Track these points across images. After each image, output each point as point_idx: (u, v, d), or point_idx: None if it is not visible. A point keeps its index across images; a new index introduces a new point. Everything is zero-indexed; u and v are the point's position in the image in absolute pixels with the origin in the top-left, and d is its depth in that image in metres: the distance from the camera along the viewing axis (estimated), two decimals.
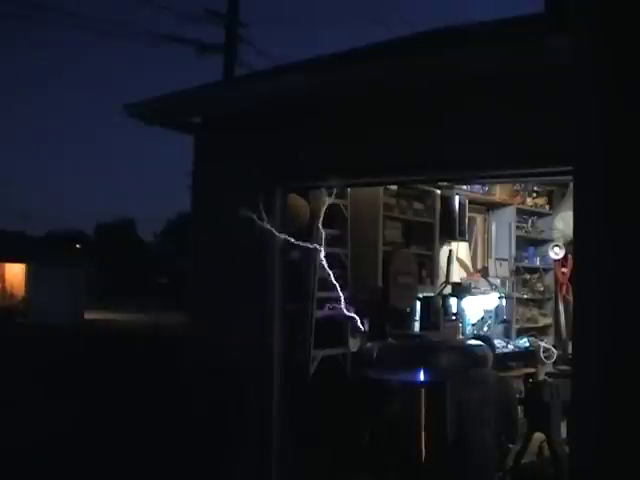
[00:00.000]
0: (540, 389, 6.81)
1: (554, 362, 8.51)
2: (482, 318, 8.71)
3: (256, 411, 6.02)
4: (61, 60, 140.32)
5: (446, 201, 8.44)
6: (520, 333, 9.26)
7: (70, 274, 32.14)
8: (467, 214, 8.74)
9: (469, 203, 8.79)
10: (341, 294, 6.19)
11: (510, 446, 6.60)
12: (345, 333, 7.17)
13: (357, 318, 6.42)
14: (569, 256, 8.78)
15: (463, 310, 8.17)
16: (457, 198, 8.50)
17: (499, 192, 9.23)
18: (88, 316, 31.73)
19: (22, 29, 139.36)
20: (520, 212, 9.57)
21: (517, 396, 7.05)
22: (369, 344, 6.75)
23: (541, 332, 9.53)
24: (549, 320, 9.76)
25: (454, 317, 7.90)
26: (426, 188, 8.27)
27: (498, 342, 8.34)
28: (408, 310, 7.54)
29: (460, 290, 8.09)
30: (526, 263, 9.73)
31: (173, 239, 52.28)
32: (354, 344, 7.21)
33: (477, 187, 8.83)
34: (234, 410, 6.02)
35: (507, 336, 9.02)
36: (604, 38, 3.46)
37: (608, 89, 3.45)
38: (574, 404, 3.73)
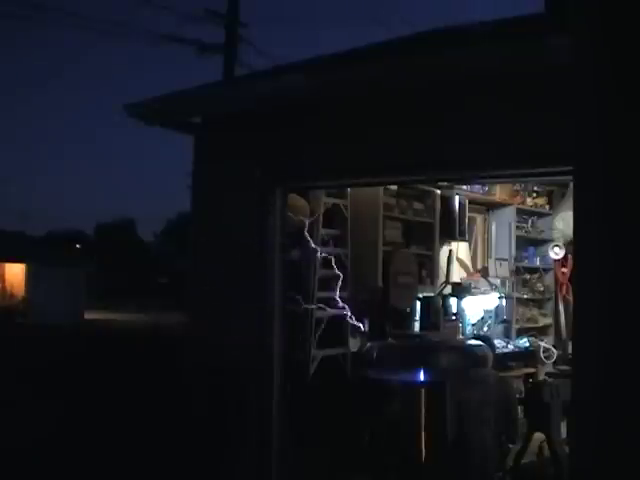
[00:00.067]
0: (540, 389, 6.82)
1: (554, 362, 8.51)
2: (482, 318, 8.71)
3: (256, 411, 6.02)
4: (61, 60, 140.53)
5: (446, 201, 8.44)
6: (520, 333, 9.26)
7: (70, 274, 32.14)
8: (467, 214, 8.74)
9: (469, 203, 8.79)
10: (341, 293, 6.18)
11: (510, 446, 6.60)
12: (345, 333, 7.17)
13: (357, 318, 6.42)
14: (569, 256, 8.78)
15: (463, 310, 8.17)
16: (457, 198, 8.50)
17: (499, 192, 9.23)
18: (88, 316, 31.74)
19: (22, 29, 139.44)
20: (520, 212, 9.57)
21: (517, 396, 7.05)
22: (369, 344, 6.75)
23: (541, 332, 9.52)
24: (549, 320, 9.76)
25: (454, 317, 7.90)
26: (426, 188, 8.27)
27: (498, 342, 8.34)
28: (408, 310, 7.54)
29: (460, 290, 8.09)
30: (526, 263, 9.73)
31: (173, 239, 52.30)
32: (354, 344, 7.21)
33: (477, 187, 8.83)
34: (234, 410, 6.02)
35: (507, 336, 9.02)
36: (604, 38, 3.46)
37: (608, 89, 3.45)
38: (574, 404, 3.73)
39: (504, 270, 9.21)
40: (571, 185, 6.54)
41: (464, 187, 8.59)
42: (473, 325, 8.55)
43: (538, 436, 6.80)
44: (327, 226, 7.30)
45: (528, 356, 8.85)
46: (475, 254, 9.35)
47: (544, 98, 4.71)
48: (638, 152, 3.36)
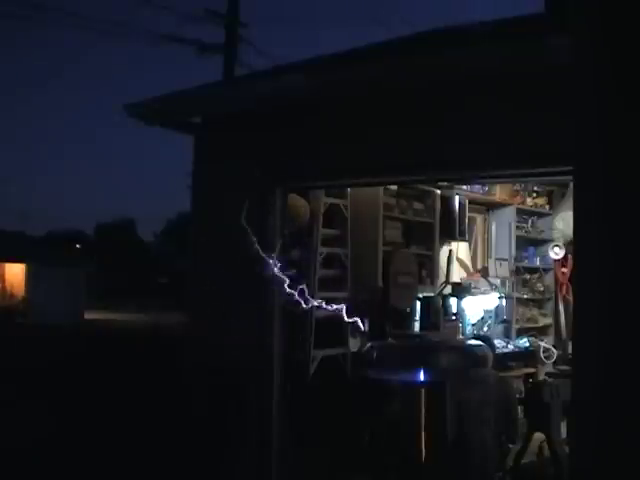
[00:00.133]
0: (540, 389, 6.82)
1: (554, 362, 8.51)
2: (482, 318, 8.71)
3: (256, 411, 6.02)
4: (61, 60, 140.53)
5: (446, 201, 8.44)
6: (520, 333, 9.25)
7: (70, 274, 32.14)
8: (467, 214, 8.74)
9: (469, 203, 8.79)
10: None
11: (510, 446, 6.60)
12: (345, 333, 7.17)
13: (357, 318, 6.42)
14: (569, 256, 8.78)
15: (463, 310, 8.17)
16: (457, 198, 8.50)
17: (499, 192, 9.23)
18: (88, 316, 31.74)
19: (22, 29, 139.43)
20: (520, 212, 9.57)
21: (517, 396, 7.04)
22: (369, 344, 6.75)
23: (541, 332, 9.52)
24: (549, 320, 9.76)
25: (454, 317, 7.90)
26: (426, 188, 8.27)
27: (498, 342, 8.34)
28: (408, 310, 7.54)
29: (460, 290, 8.09)
30: (526, 263, 9.73)
31: (173, 239, 52.30)
32: (354, 344, 7.21)
33: (477, 187, 8.83)
34: (234, 410, 6.02)
35: (507, 336, 9.02)
36: (604, 38, 3.46)
37: (608, 89, 3.45)
38: (574, 404, 3.73)
39: (504, 270, 9.21)
40: (571, 185, 6.53)
41: (464, 187, 8.58)
42: (473, 325, 8.55)
43: (538, 436, 6.80)
44: (327, 226, 7.30)
45: (528, 356, 8.85)
46: (475, 254, 9.35)
47: (544, 98, 4.71)
48: (638, 152, 3.36)
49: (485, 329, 8.64)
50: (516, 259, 9.42)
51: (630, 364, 3.34)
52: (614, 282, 3.38)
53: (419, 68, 5.17)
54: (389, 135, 5.49)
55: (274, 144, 6.07)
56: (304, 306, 6.07)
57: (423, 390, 6.14)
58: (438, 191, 8.38)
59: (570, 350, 6.72)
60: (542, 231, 9.87)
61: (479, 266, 9.30)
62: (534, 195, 9.79)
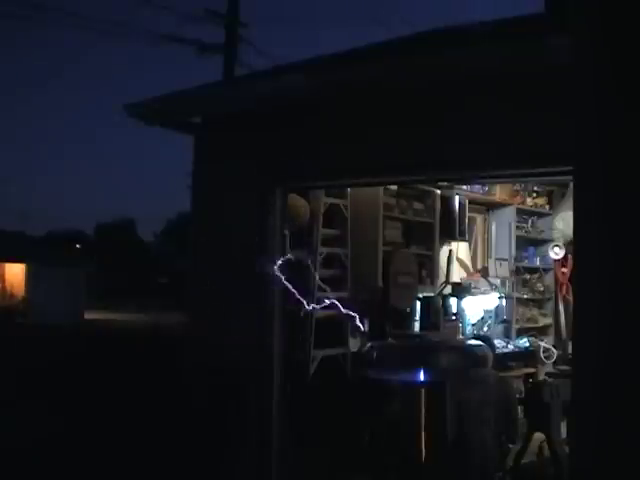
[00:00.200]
0: (540, 389, 6.82)
1: (554, 362, 8.51)
2: (482, 318, 8.71)
3: (256, 411, 6.02)
4: (61, 60, 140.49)
5: (446, 201, 8.44)
6: (520, 333, 9.25)
7: (70, 274, 32.14)
8: (467, 214, 8.74)
9: (469, 203, 8.79)
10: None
11: (510, 446, 6.60)
12: (345, 333, 7.17)
13: (357, 318, 6.42)
14: (569, 256, 8.78)
15: (463, 310, 8.17)
16: (457, 198, 8.50)
17: (499, 192, 9.23)
18: (88, 316, 31.74)
19: (22, 29, 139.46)
20: (520, 212, 9.57)
21: (517, 396, 7.04)
22: (369, 344, 6.75)
23: (541, 332, 9.52)
24: (549, 320, 9.76)
25: (454, 317, 7.90)
26: (426, 188, 8.27)
27: (498, 342, 8.34)
28: (408, 310, 7.54)
29: (460, 290, 8.09)
30: (526, 263, 9.73)
31: (173, 239, 52.30)
32: (354, 344, 7.21)
33: (477, 187, 8.83)
34: (234, 410, 6.02)
35: (507, 336, 9.02)
36: (604, 38, 3.46)
37: (608, 89, 3.45)
38: (574, 404, 3.73)
39: (504, 270, 9.21)
40: (571, 185, 6.54)
41: (464, 187, 8.58)
42: (473, 325, 8.55)
43: (538, 436, 6.80)
44: (327, 226, 7.30)
45: (528, 356, 8.85)
46: (475, 254, 9.35)
47: (544, 98, 4.71)
48: (638, 152, 3.36)
49: (485, 329, 8.64)
50: (516, 259, 9.42)
51: (630, 364, 3.34)
52: (614, 282, 3.38)
53: (419, 68, 5.17)
54: (389, 135, 5.49)
55: (274, 144, 6.07)
56: (307, 307, 6.10)
57: (423, 390, 6.14)
58: (438, 191, 8.38)
59: (570, 350, 6.72)
60: (542, 231, 9.87)
61: (479, 266, 9.30)
62: (534, 195, 9.79)
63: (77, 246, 50.04)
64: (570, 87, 3.61)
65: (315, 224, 7.12)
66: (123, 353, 13.42)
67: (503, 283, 9.19)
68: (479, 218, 9.45)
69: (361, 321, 6.78)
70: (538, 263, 9.82)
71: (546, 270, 9.80)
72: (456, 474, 5.98)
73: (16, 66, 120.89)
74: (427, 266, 8.29)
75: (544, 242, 9.70)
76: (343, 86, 5.48)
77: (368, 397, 6.42)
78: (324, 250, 7.20)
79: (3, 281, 33.21)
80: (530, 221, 9.79)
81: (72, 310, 29.98)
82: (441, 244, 8.51)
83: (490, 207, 9.46)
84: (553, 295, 9.72)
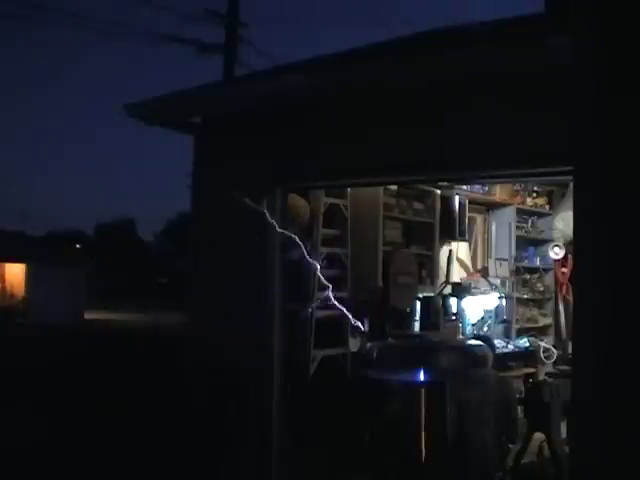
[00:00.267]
0: (540, 389, 6.81)
1: (554, 362, 8.51)
2: (482, 318, 8.71)
3: (256, 411, 6.02)
4: (61, 60, 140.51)
5: (446, 201, 8.44)
6: (520, 333, 9.25)
7: (70, 274, 32.14)
8: (467, 214, 8.74)
9: (469, 203, 8.79)
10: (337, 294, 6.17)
11: (510, 446, 6.60)
12: (345, 333, 7.17)
13: (357, 318, 6.41)
14: (569, 256, 8.78)
15: (463, 310, 8.17)
16: (457, 198, 8.50)
17: (499, 192, 9.23)
18: (88, 316, 31.74)
19: (22, 29, 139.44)
20: (520, 212, 9.57)
21: (517, 396, 7.04)
22: (369, 344, 6.75)
23: (541, 332, 9.52)
24: (549, 320, 9.76)
25: (454, 317, 7.90)
26: (426, 188, 8.27)
27: (498, 342, 8.34)
28: (408, 310, 7.54)
29: (460, 290, 8.09)
30: (526, 263, 9.73)
31: (173, 239, 52.30)
32: (354, 344, 7.21)
33: (477, 187, 8.83)
34: (234, 410, 6.02)
35: (507, 336, 9.02)
36: (604, 38, 3.46)
37: (608, 89, 3.45)
38: (574, 404, 3.73)
39: (504, 270, 9.21)
40: (571, 185, 6.53)
41: (464, 187, 8.58)
42: (473, 325, 8.55)
43: (538, 436, 6.79)
44: (327, 226, 7.30)
45: (528, 356, 8.85)
46: (475, 254, 9.35)
47: (544, 98, 4.71)
48: (638, 152, 3.36)
49: (485, 329, 8.64)
50: (516, 259, 9.42)
51: (630, 364, 3.34)
52: (614, 282, 3.38)
53: (419, 68, 5.17)
54: (389, 135, 5.49)
55: (274, 144, 6.07)
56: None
57: (423, 390, 6.15)
58: (438, 191, 8.38)
59: (570, 350, 6.72)
60: (542, 231, 9.87)
61: (479, 266, 9.30)
62: (534, 195, 9.79)
63: (77, 246, 50.04)
64: (570, 87, 3.61)
65: (315, 224, 7.12)
66: (123, 353, 13.42)
67: (503, 283, 9.19)
68: (479, 218, 9.45)
69: (361, 321, 6.78)
70: (538, 263, 9.82)
71: (546, 270, 9.80)
72: (456, 474, 5.98)
73: (16, 66, 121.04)
74: (427, 266, 8.29)
75: (544, 242, 9.70)
76: (343, 86, 5.48)
77: (368, 397, 6.42)
78: (324, 250, 7.20)
79: (3, 281, 33.21)
80: (530, 221, 9.79)
81: (72, 310, 29.98)
82: (441, 244, 8.51)
83: (490, 207, 9.46)
84: (553, 295, 9.72)
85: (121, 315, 32.59)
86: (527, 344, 9.02)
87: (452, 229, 8.48)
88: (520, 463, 6.69)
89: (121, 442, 6.92)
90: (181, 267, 30.42)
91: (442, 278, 8.14)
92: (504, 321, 9.03)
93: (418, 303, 7.59)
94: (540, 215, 9.88)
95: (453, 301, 7.95)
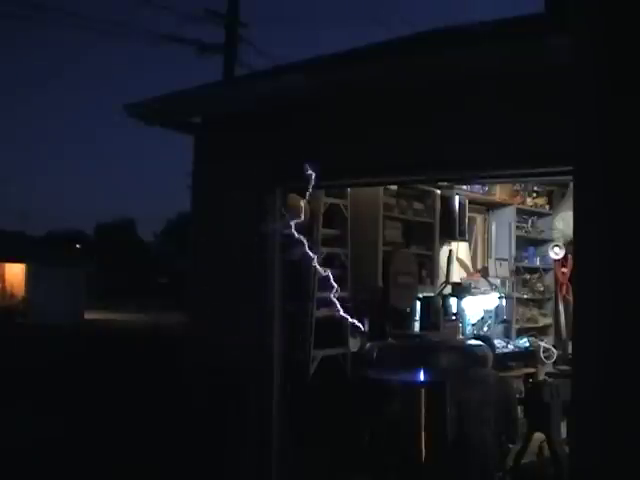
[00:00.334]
0: (540, 389, 6.81)
1: (554, 362, 8.51)
2: (482, 318, 8.71)
3: (256, 411, 6.02)
4: (61, 60, 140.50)
5: (446, 201, 8.44)
6: (520, 333, 9.25)
7: (70, 274, 32.14)
8: (467, 214, 8.73)
9: (469, 203, 8.78)
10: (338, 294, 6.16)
11: (510, 446, 6.60)
12: (345, 333, 7.17)
13: (357, 318, 6.41)
14: (569, 256, 8.78)
15: (463, 310, 8.17)
16: (457, 198, 8.50)
17: (499, 192, 9.23)
18: (88, 316, 31.74)
19: (22, 29, 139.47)
20: (520, 212, 9.56)
21: (517, 396, 7.04)
22: (369, 344, 6.75)
23: (541, 332, 9.52)
24: (549, 320, 9.76)
25: (454, 317, 7.90)
26: (426, 188, 8.27)
27: (498, 342, 8.34)
28: (408, 310, 7.54)
29: (460, 290, 8.09)
30: (526, 263, 9.73)
31: (173, 239, 52.30)
32: (354, 344, 7.21)
33: (477, 187, 8.83)
34: (234, 410, 6.02)
35: (507, 336, 9.02)
36: (604, 38, 3.47)
37: (608, 89, 3.45)
38: (574, 404, 3.73)
39: (504, 270, 9.21)
40: (571, 185, 6.53)
41: (464, 187, 8.58)
42: (473, 325, 8.55)
43: (538, 436, 6.79)
44: (327, 226, 7.30)
45: (528, 356, 8.85)
46: (475, 254, 9.35)
47: (544, 98, 4.71)
48: (638, 152, 3.36)
49: (485, 329, 8.64)
50: (516, 259, 9.42)
51: (630, 364, 3.34)
52: (614, 282, 3.38)
53: (419, 68, 5.17)
54: (389, 135, 5.49)
55: (274, 144, 6.07)
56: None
57: (423, 390, 6.14)
58: (438, 191, 8.38)
59: (570, 350, 6.72)
60: (542, 231, 9.87)
61: (479, 266, 9.30)
62: (534, 195, 9.79)
63: (77, 246, 50.04)
64: (570, 87, 3.61)
65: (315, 224, 7.12)
66: (123, 353, 13.42)
67: (503, 283, 9.18)
68: (479, 218, 9.45)
69: (361, 321, 6.78)
70: (538, 263, 9.82)
71: (546, 270, 9.80)
72: (456, 474, 5.98)
73: (16, 66, 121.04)
74: (427, 266, 8.29)
75: (544, 242, 9.70)
76: (343, 86, 5.48)
77: (368, 397, 6.42)
78: (324, 250, 7.20)
79: (3, 281, 33.21)
80: (530, 221, 9.79)
81: (72, 310, 29.98)
82: (441, 244, 8.51)
83: (490, 207, 9.46)
84: (553, 295, 9.72)
85: (121, 315, 32.60)
86: (527, 344, 9.02)
87: (452, 229, 8.48)
88: (520, 463, 6.69)
89: (121, 442, 6.93)
90: (181, 267, 30.43)
91: (442, 278, 8.14)
92: (504, 321, 9.03)
93: (418, 303, 7.58)
94: (540, 215, 9.88)
95: (453, 301, 7.95)
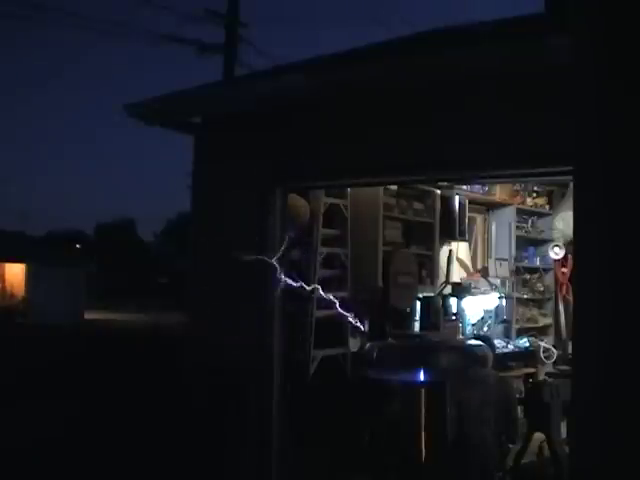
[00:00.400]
0: (540, 389, 6.81)
1: (554, 362, 8.51)
2: (482, 318, 8.71)
3: (256, 411, 6.02)
4: (61, 60, 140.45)
5: (446, 201, 8.44)
6: (520, 333, 9.26)
7: (70, 274, 32.14)
8: (467, 214, 8.74)
9: (469, 203, 8.79)
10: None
11: (510, 446, 6.60)
12: (345, 333, 7.17)
13: (357, 318, 6.41)
14: (569, 256, 8.78)
15: (463, 310, 8.17)
16: (457, 198, 8.50)
17: (499, 192, 9.23)
18: (88, 316, 31.74)
19: (22, 29, 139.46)
20: (520, 212, 9.57)
21: (517, 396, 7.05)
22: (369, 344, 6.75)
23: (541, 332, 9.52)
24: (549, 320, 9.76)
25: (454, 317, 7.90)
26: (426, 188, 8.27)
27: (498, 342, 8.34)
28: (408, 310, 7.54)
29: (460, 290, 8.09)
30: (526, 263, 9.73)
31: (173, 239, 52.29)
32: (354, 344, 7.21)
33: (477, 187, 8.83)
34: (234, 410, 6.01)
35: (507, 336, 9.02)
36: (604, 38, 3.46)
37: (608, 89, 3.45)
38: (574, 404, 3.73)
39: (504, 270, 9.21)
40: (571, 185, 6.54)
41: (464, 187, 8.59)
42: (473, 325, 8.55)
43: (538, 436, 6.79)
44: (327, 226, 7.30)
45: (528, 356, 8.85)
46: (475, 254, 9.35)
47: (544, 98, 4.71)
48: (638, 152, 3.36)
49: (485, 329, 8.64)
50: (516, 259, 9.42)
51: (630, 364, 3.34)
52: (614, 282, 3.38)
53: (419, 68, 5.17)
54: (389, 135, 5.49)
55: (274, 144, 6.07)
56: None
57: (423, 390, 6.14)
58: (438, 191, 8.38)
59: (570, 350, 6.72)
60: (542, 231, 9.87)
61: (479, 266, 9.30)
62: (534, 195, 9.79)
63: (77, 246, 50.03)
64: (570, 87, 3.61)
65: (315, 224, 7.12)
66: (123, 353, 13.42)
67: (503, 283, 9.19)
68: (479, 218, 9.45)
69: (361, 321, 6.78)
70: (538, 263, 9.82)
71: (546, 270, 9.80)
72: (456, 474, 5.98)
73: (16, 66, 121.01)
74: (427, 266, 8.29)
75: (544, 242, 9.70)
76: (343, 86, 5.48)
77: (368, 397, 6.42)
78: (324, 250, 7.20)
79: (3, 281, 33.21)
80: (530, 221, 9.79)
81: (72, 310, 29.97)
82: (441, 244, 8.51)
83: (490, 207, 9.46)
84: (553, 295, 9.72)
85: (121, 315, 32.59)
86: (527, 344, 9.02)
87: (452, 229, 8.48)
88: (520, 463, 6.69)
89: (121, 442, 6.92)
90: (181, 267, 30.43)
91: (442, 278, 8.14)
92: (504, 321, 9.03)
93: (418, 303, 7.58)
94: (540, 215, 9.89)
95: (453, 301, 7.95)
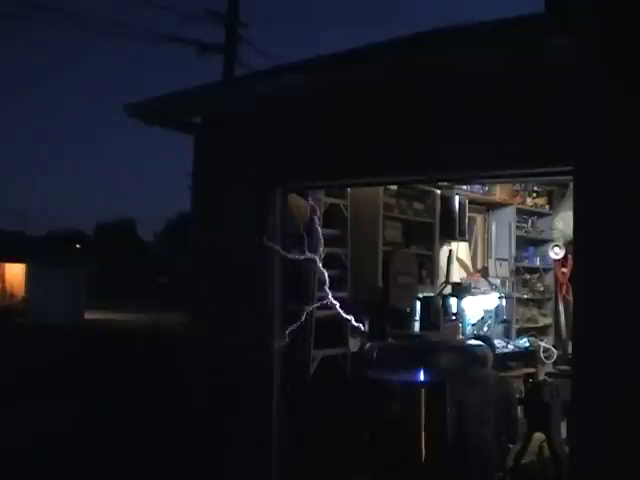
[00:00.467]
0: (540, 389, 6.82)
1: (554, 362, 8.51)
2: (482, 318, 8.71)
3: (256, 411, 6.02)
4: (61, 60, 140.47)
5: (446, 201, 8.44)
6: (520, 333, 9.26)
7: (70, 274, 32.14)
8: (467, 214, 8.74)
9: (469, 203, 8.79)
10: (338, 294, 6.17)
11: (510, 446, 6.60)
12: (345, 333, 7.17)
13: (357, 318, 6.42)
14: (569, 256, 8.78)
15: (463, 310, 8.17)
16: (457, 198, 8.50)
17: (499, 192, 9.23)
18: (88, 316, 31.74)
19: (22, 29, 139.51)
20: (520, 212, 9.57)
21: (517, 396, 7.04)
22: (369, 344, 6.75)
23: (541, 332, 9.52)
24: (549, 320, 9.76)
25: (454, 317, 7.90)
26: (426, 188, 8.27)
27: (498, 342, 8.34)
28: (408, 310, 7.54)
29: (460, 290, 8.09)
30: (526, 263, 9.73)
31: (173, 239, 52.30)
32: (354, 344, 7.21)
33: (477, 187, 8.83)
34: (234, 410, 6.01)
35: (507, 336, 9.02)
36: (604, 38, 3.46)
37: (608, 89, 3.45)
38: (574, 404, 3.73)
39: (504, 270, 9.21)
40: (571, 185, 6.54)
41: (464, 187, 8.59)
42: (473, 325, 8.55)
43: (538, 436, 6.79)
44: (327, 226, 7.30)
45: (528, 356, 8.85)
46: (475, 254, 9.35)
47: (544, 98, 4.71)
48: (638, 152, 3.36)
49: (485, 329, 8.64)
50: (516, 259, 9.42)
51: (630, 364, 3.34)
52: (614, 282, 3.38)
53: (419, 68, 5.17)
54: (389, 135, 5.49)
55: (274, 144, 6.07)
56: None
57: (423, 390, 6.15)
58: (438, 191, 8.38)
59: (570, 350, 6.72)
60: (542, 231, 9.87)
61: (479, 266, 9.30)
62: (534, 195, 9.80)
63: (77, 246, 50.03)
64: (570, 87, 3.61)
65: (315, 224, 7.11)
66: (123, 353, 13.42)
67: (503, 283, 9.19)
68: (479, 218, 9.45)
69: (361, 321, 6.78)
70: (538, 263, 9.82)
71: (546, 270, 9.80)
72: (456, 474, 5.98)
73: (16, 66, 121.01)
74: (427, 266, 8.29)
75: (544, 242, 9.70)
76: (343, 86, 5.48)
77: (368, 397, 6.42)
78: (324, 250, 7.19)
79: (3, 281, 33.21)
80: (530, 221, 9.79)
81: (72, 310, 29.97)
82: (441, 244, 8.51)
83: (490, 207, 9.46)
84: (553, 295, 9.72)
85: (121, 315, 32.59)
86: (527, 344, 9.02)
87: (452, 229, 8.49)
88: (520, 463, 6.69)
89: (121, 442, 6.92)
90: (181, 267, 30.43)
91: (442, 278, 8.14)
92: (504, 321, 9.03)
93: (418, 303, 7.59)
94: (540, 215, 9.89)
95: (453, 301, 7.95)
